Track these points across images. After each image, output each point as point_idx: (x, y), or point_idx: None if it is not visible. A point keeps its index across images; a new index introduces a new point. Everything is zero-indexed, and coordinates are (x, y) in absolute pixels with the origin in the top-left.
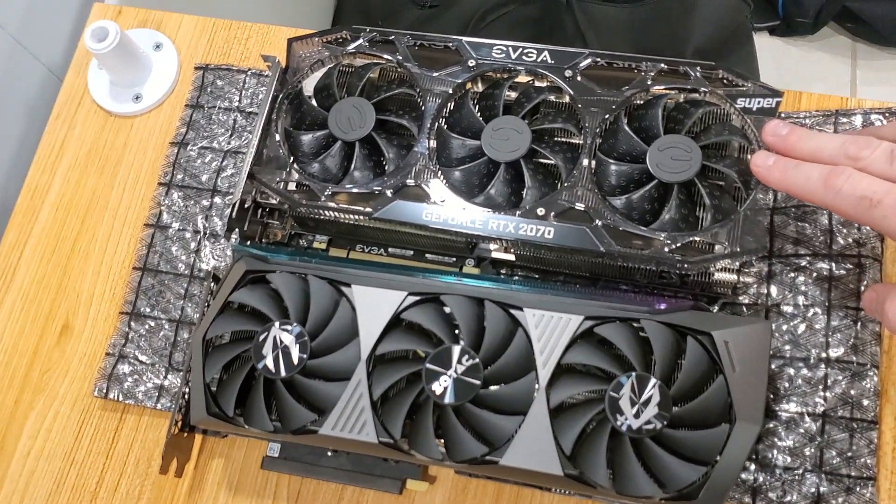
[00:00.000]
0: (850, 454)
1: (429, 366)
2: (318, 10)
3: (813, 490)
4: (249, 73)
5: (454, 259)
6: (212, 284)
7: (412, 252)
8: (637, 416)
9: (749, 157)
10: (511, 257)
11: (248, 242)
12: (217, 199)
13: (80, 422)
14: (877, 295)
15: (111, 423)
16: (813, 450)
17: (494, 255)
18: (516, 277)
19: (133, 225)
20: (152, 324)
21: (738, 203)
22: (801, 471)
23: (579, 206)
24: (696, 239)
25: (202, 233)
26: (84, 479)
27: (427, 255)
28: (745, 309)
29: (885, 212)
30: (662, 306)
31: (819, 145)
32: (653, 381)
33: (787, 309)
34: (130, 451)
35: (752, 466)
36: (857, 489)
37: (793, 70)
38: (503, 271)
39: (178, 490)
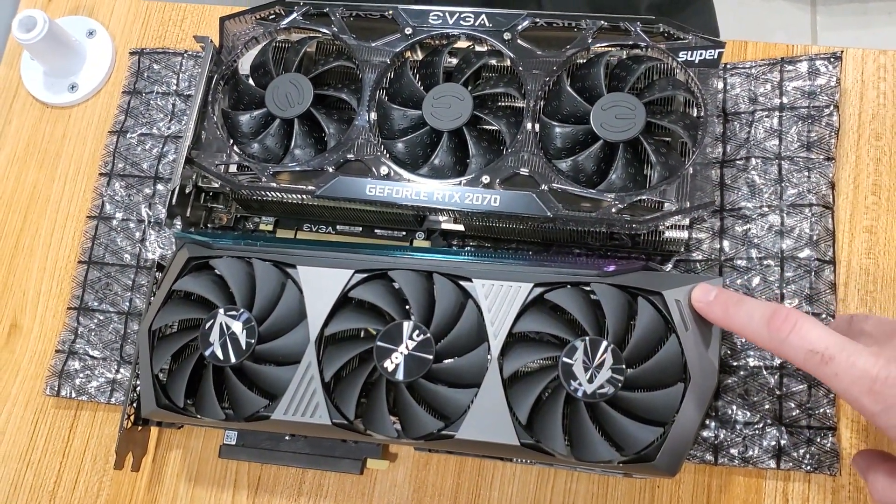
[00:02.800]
0: (809, 405)
1: (379, 343)
2: None
3: (774, 443)
4: (186, 55)
5: (404, 233)
6: (157, 274)
7: (361, 228)
8: (591, 380)
9: (694, 111)
10: (461, 228)
11: (193, 229)
12: (160, 187)
13: (34, 422)
14: (863, 463)
15: (65, 421)
16: (772, 403)
17: (444, 226)
18: (467, 248)
19: (76, 218)
20: (101, 317)
21: (685, 158)
22: (761, 425)
23: (524, 171)
24: (645, 198)
25: (146, 221)
26: (41, 479)
27: (376, 231)
28: (698, 265)
29: (836, 370)
30: (612, 268)
31: (749, 310)
32: (605, 343)
33: (741, 263)
34: (87, 448)
35: (713, 424)
36: (818, 440)
37: (753, 20)
38: (454, 242)
39: (137, 484)
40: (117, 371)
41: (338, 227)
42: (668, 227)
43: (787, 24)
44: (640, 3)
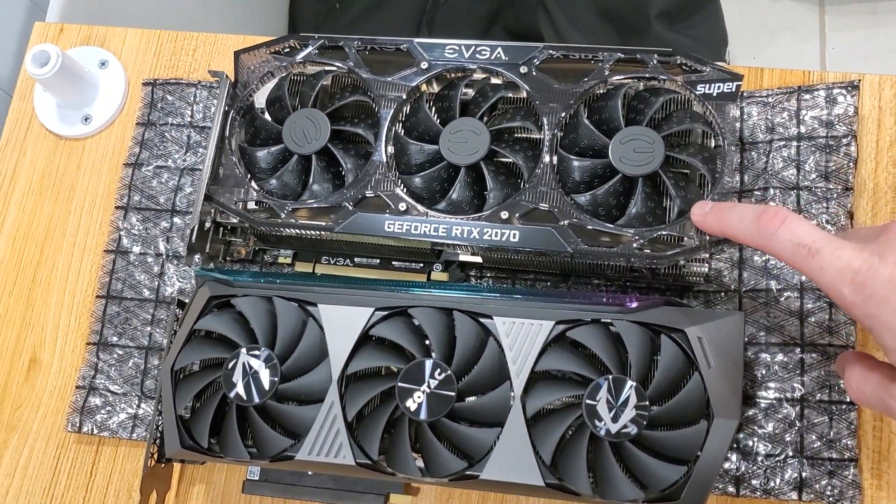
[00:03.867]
0: (830, 437)
1: (401, 384)
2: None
3: (795, 476)
4: (199, 85)
5: (421, 265)
6: (177, 311)
7: (378, 260)
8: (615, 419)
9: (712, 142)
10: (478, 259)
11: (212, 263)
12: (177, 220)
13: (56, 457)
14: (842, 364)
15: (88, 457)
16: (793, 435)
17: (462, 258)
18: (486, 280)
19: (93, 251)
20: (121, 352)
21: (704, 190)
22: (782, 457)
23: (543, 206)
24: (665, 233)
25: (164, 255)
26: None
27: (394, 263)
28: (719, 296)
29: (821, 263)
30: (633, 304)
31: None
32: (629, 383)
33: (761, 294)
34: (109, 483)
35: (734, 455)
36: (840, 472)
37: (760, 21)
38: (472, 273)
39: None
40: (138, 406)
41: (356, 259)
42: (687, 261)
43: (795, 24)
44: (649, 10)
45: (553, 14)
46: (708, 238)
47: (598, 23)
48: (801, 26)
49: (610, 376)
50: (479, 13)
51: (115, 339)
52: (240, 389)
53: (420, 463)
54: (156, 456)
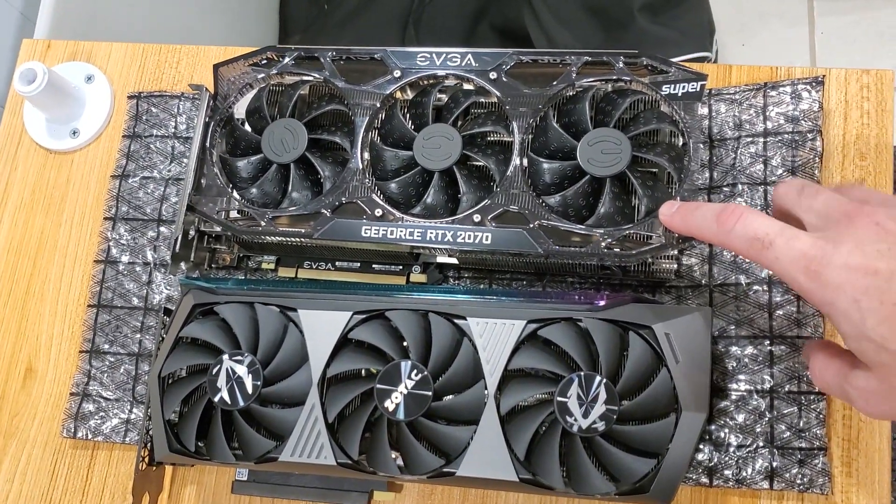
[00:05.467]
0: (799, 427)
1: (379, 385)
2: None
3: (766, 465)
4: (183, 97)
5: (401, 267)
6: (164, 318)
7: (359, 264)
8: (585, 415)
9: (680, 141)
10: (455, 261)
11: (197, 271)
12: (163, 229)
13: (54, 462)
14: (806, 351)
15: (83, 461)
16: (763, 426)
17: (439, 260)
18: (464, 281)
19: (84, 262)
20: (112, 359)
21: (672, 189)
22: (753, 447)
23: (514, 208)
24: (633, 231)
25: (152, 264)
26: None
27: (374, 266)
28: (690, 291)
29: (776, 253)
30: (602, 302)
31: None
32: (598, 379)
33: (731, 288)
34: (105, 486)
35: (707, 447)
36: (809, 460)
37: (749, 8)
38: (450, 274)
39: None
40: (130, 411)
41: (337, 263)
42: (656, 258)
43: (784, 11)
44: (633, 3)
45: (538, 9)
46: (675, 236)
47: (583, 17)
48: (789, 13)
49: (580, 373)
50: (464, 11)
51: (106, 346)
52: (224, 394)
53: (399, 461)
54: (147, 459)
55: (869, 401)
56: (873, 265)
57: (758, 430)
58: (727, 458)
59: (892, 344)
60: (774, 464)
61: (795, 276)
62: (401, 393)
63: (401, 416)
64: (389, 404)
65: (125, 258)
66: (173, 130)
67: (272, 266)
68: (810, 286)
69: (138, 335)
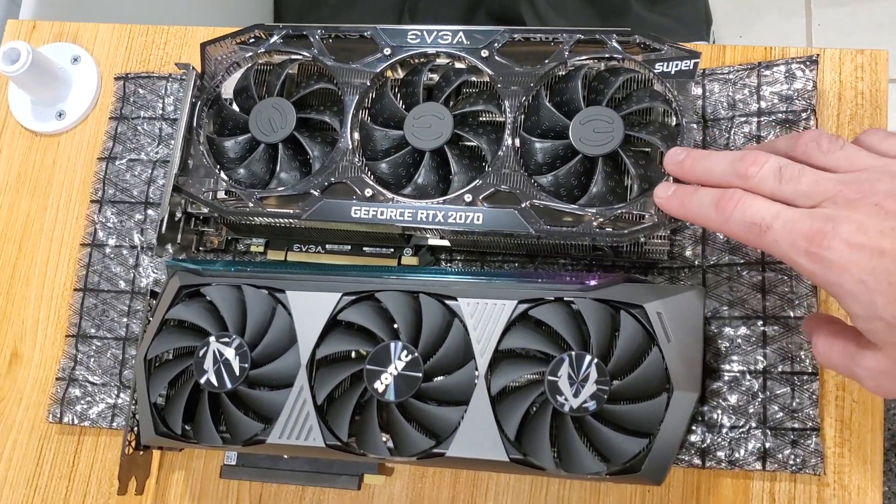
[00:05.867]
0: (792, 407)
1: (369, 366)
2: None
3: (759, 446)
4: (170, 78)
5: (392, 249)
6: (150, 301)
7: (350, 247)
8: (576, 395)
9: (673, 121)
10: (447, 243)
11: (185, 253)
12: (151, 212)
13: (40, 448)
14: (809, 326)
15: (70, 447)
16: (756, 406)
17: (431, 242)
18: (455, 263)
19: (70, 245)
20: (99, 344)
21: (662, 168)
22: (746, 428)
23: (505, 188)
24: (625, 211)
25: (139, 247)
26: (49, 503)
27: (365, 249)
28: (682, 272)
29: (774, 237)
30: (593, 282)
31: (711, 165)
32: (588, 358)
33: (723, 269)
34: (92, 472)
35: (700, 428)
36: (802, 441)
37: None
38: (442, 257)
39: None
40: (117, 396)
41: (327, 246)
42: (648, 238)
43: (781, 2)
44: None
45: None
46: (668, 215)
47: (579, 5)
48: (786, 4)
49: (571, 353)
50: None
51: (93, 330)
52: (211, 376)
53: (389, 443)
54: (133, 444)
55: (879, 381)
56: (878, 245)
57: (751, 410)
58: (720, 440)
59: None
60: (767, 445)
61: (797, 259)
62: (391, 374)
63: (391, 397)
64: (379, 385)
65: (112, 241)
66: (161, 112)
67: (261, 249)
68: (813, 268)
69: (125, 319)
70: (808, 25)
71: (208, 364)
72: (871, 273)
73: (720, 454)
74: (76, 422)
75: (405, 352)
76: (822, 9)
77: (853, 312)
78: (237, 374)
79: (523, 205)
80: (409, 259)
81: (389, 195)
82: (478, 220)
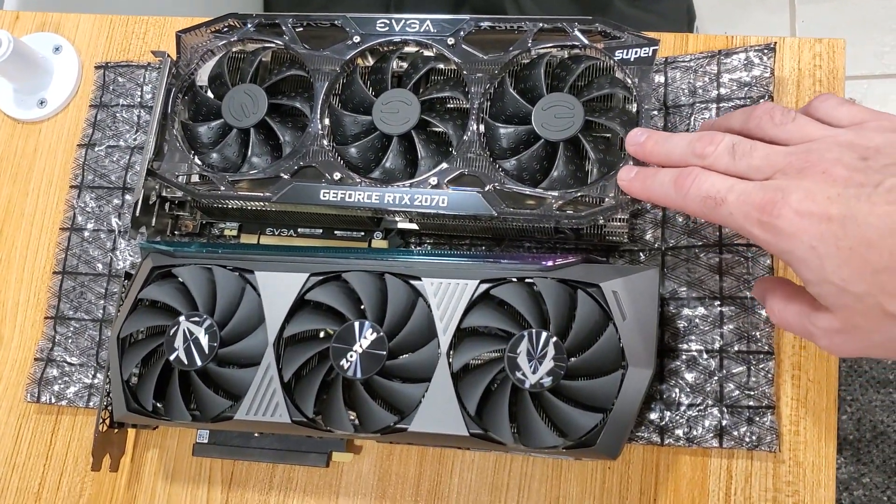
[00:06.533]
0: (748, 386)
1: (335, 344)
2: None
3: (716, 423)
4: (149, 67)
5: (362, 233)
6: (125, 282)
7: (321, 230)
8: (535, 371)
9: (633, 107)
10: (416, 227)
11: (160, 237)
12: (128, 197)
13: (18, 427)
14: (761, 289)
15: (47, 426)
16: (713, 385)
17: (400, 225)
18: (424, 247)
19: (50, 230)
20: (77, 325)
21: (624, 153)
22: (703, 406)
23: (470, 172)
24: (585, 194)
25: (116, 231)
26: (26, 481)
27: (336, 232)
28: (641, 255)
29: (729, 209)
30: (550, 263)
31: (671, 147)
32: (546, 335)
33: (682, 251)
34: (69, 450)
35: (658, 406)
36: (758, 418)
37: None
38: (412, 241)
39: (117, 483)
40: (94, 376)
41: (299, 229)
42: (608, 221)
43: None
44: None
45: None
46: (627, 198)
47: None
48: (771, 1)
49: (530, 330)
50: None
51: (71, 312)
52: (181, 354)
53: (355, 420)
54: (107, 421)
55: (832, 339)
56: (826, 212)
57: (708, 389)
58: (678, 417)
59: (852, 286)
60: (724, 422)
61: (751, 229)
62: (356, 352)
63: (356, 374)
64: (345, 363)
65: (90, 225)
66: (139, 100)
67: (234, 233)
68: (766, 237)
69: (102, 301)
70: (792, 21)
71: (178, 343)
72: (819, 239)
73: (678, 432)
74: (53, 401)
75: (371, 330)
76: (805, 5)
77: (805, 278)
78: (206, 352)
79: (487, 188)
80: (378, 242)
81: (358, 179)
82: (443, 202)
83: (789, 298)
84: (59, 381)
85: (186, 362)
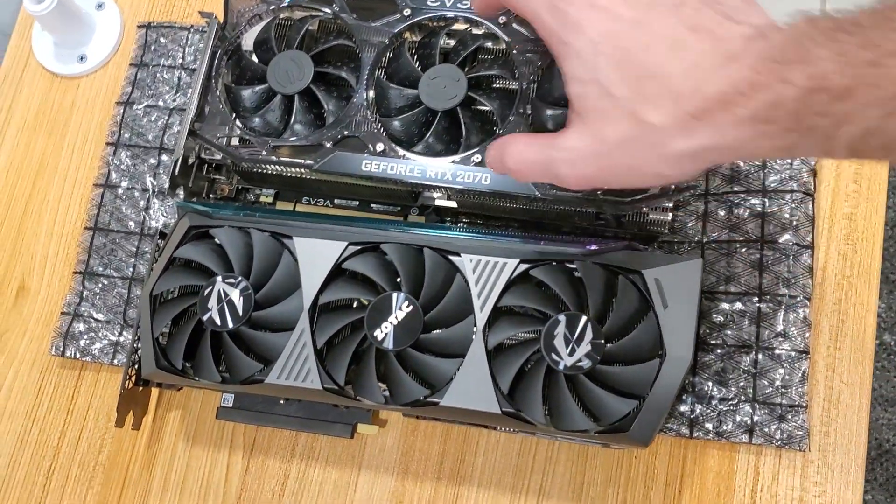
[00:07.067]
0: (782, 384)
1: (370, 313)
2: None
3: (747, 419)
4: (192, 29)
5: (399, 208)
6: (159, 241)
7: (358, 203)
8: (571, 353)
9: None
10: (454, 204)
11: (195, 199)
12: (164, 157)
13: (40, 380)
14: (498, 145)
15: (70, 381)
16: (747, 381)
17: (438, 202)
18: (460, 224)
19: (83, 185)
20: (105, 282)
21: None
22: (735, 401)
23: None
24: None
25: (151, 191)
26: (46, 435)
27: (373, 206)
28: (682, 247)
29: None
30: (594, 247)
31: None
32: (584, 319)
33: (723, 245)
34: (90, 406)
35: (689, 399)
36: (790, 417)
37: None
38: (448, 219)
39: (137, 442)
40: (120, 334)
41: (335, 200)
42: (651, 210)
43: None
44: None
45: None
46: (671, 187)
47: None
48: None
49: (568, 312)
50: None
51: (100, 269)
52: (214, 315)
53: (385, 392)
54: (133, 378)
55: (575, 163)
56: (617, 10)
57: (741, 384)
58: (709, 411)
59: (616, 88)
60: (755, 418)
61: (543, 15)
62: (391, 323)
63: (389, 345)
64: (379, 333)
65: (124, 183)
66: (181, 62)
67: (270, 200)
68: (552, 23)
69: (133, 259)
70: None
71: (212, 303)
72: (603, 35)
73: (708, 425)
74: (78, 356)
75: (406, 302)
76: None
77: (574, 74)
78: (240, 314)
79: None
80: (415, 218)
81: (401, 151)
82: (486, 180)
83: (530, 140)
84: (85, 337)
85: (219, 323)
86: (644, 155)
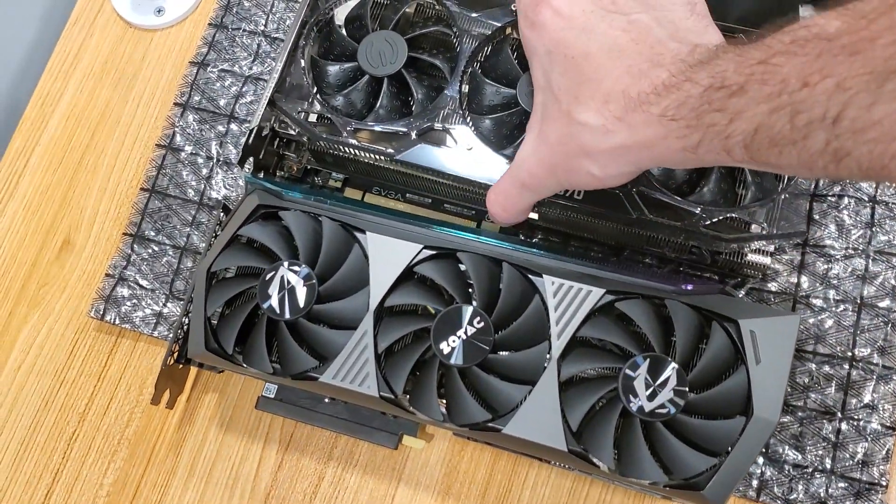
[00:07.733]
0: (863, 459)
1: (439, 324)
2: None
3: (821, 491)
4: None
5: (473, 212)
6: (221, 215)
7: (430, 200)
8: (651, 398)
9: None
10: (534, 216)
11: (262, 174)
12: (233, 126)
13: (74, 341)
14: (489, 206)
15: (105, 346)
16: (826, 449)
17: None
18: (535, 239)
19: (145, 143)
20: (156, 248)
21: (780, 184)
22: (810, 469)
23: None
24: (734, 216)
25: (216, 159)
26: (73, 399)
27: (445, 205)
28: (772, 297)
29: (518, 13)
30: (689, 287)
31: None
32: (671, 363)
33: (817, 302)
34: (123, 376)
35: (761, 460)
36: (867, 494)
37: None
38: (523, 232)
39: (168, 421)
40: (164, 305)
41: (407, 195)
42: (751, 251)
43: None
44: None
45: None
46: (776, 230)
47: None
48: None
49: (653, 354)
50: None
51: (152, 234)
52: (274, 302)
53: (443, 408)
54: (176, 356)
55: (531, 167)
56: (575, 20)
57: (819, 452)
58: (780, 476)
59: (562, 94)
60: (830, 490)
61: (525, 30)
62: (459, 338)
63: (455, 361)
64: (445, 347)
65: (189, 148)
66: (262, 28)
67: (339, 185)
68: (531, 35)
69: (188, 229)
70: None
71: (273, 289)
72: (557, 43)
73: (777, 490)
74: (118, 322)
75: (478, 318)
76: None
77: (537, 82)
78: (301, 305)
79: (630, 188)
80: (489, 224)
81: (489, 152)
82: (578, 194)
83: (504, 175)
84: (128, 303)
85: (279, 311)
86: (577, 154)
